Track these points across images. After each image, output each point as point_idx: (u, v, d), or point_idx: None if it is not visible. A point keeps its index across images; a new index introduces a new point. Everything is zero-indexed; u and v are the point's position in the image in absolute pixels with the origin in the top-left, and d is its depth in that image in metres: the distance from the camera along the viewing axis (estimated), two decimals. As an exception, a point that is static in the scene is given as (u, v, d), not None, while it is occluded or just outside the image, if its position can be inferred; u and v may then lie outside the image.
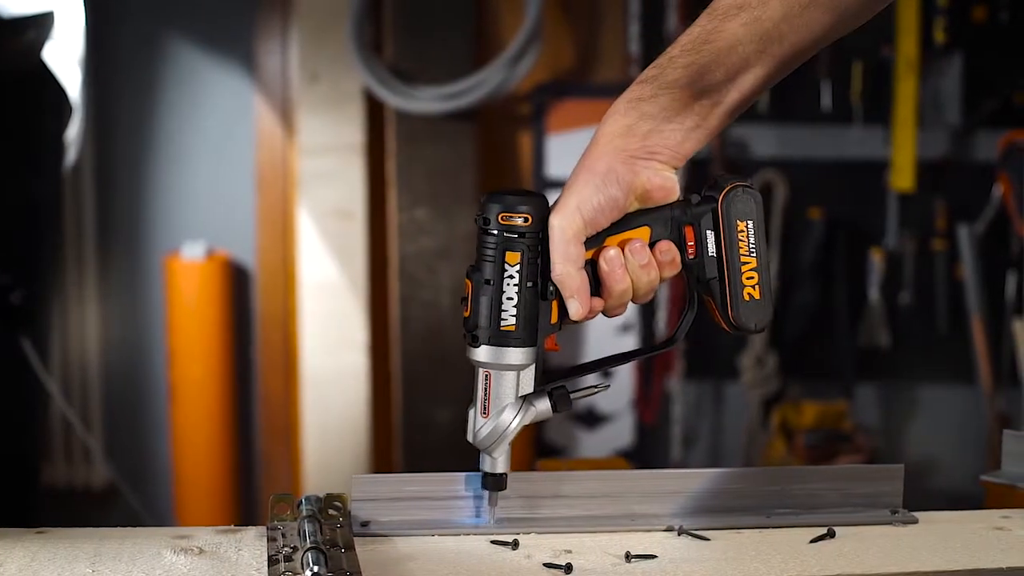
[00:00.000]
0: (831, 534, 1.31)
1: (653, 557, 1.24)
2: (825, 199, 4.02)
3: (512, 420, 1.25)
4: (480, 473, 1.29)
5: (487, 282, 1.22)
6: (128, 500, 3.74)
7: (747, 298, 1.26)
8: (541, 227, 1.22)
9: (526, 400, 1.26)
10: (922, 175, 3.94)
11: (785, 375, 4.04)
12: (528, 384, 1.25)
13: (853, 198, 4.02)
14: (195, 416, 3.98)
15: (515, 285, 1.22)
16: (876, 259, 4.01)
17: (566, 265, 1.22)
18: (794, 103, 3.92)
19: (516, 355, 1.23)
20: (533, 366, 1.25)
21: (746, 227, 1.26)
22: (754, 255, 1.26)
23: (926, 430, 4.14)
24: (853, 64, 3.92)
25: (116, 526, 1.28)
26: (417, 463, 3.84)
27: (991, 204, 3.88)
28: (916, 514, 1.38)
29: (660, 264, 1.25)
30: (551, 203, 1.24)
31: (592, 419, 4.07)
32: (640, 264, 1.24)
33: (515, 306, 1.22)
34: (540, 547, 1.26)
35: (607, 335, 4.05)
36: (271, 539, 1.24)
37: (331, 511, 1.29)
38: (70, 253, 4.00)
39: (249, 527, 1.29)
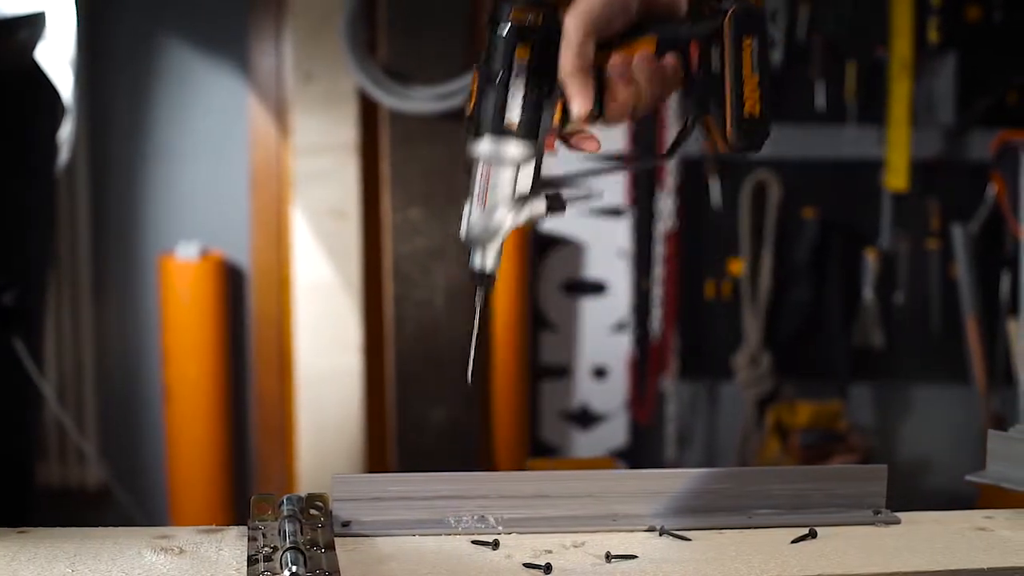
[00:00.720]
0: (812, 534, 1.31)
1: (633, 557, 1.24)
2: (819, 199, 4.02)
3: (507, 214, 1.26)
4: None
5: (495, 77, 1.24)
6: (119, 501, 3.74)
7: (747, 116, 1.26)
8: (551, 26, 1.24)
9: (523, 198, 1.26)
10: (916, 175, 3.94)
11: (779, 375, 4.03)
12: (526, 181, 1.26)
13: (847, 198, 4.03)
14: (190, 416, 3.98)
15: (522, 80, 1.24)
16: (870, 259, 4.01)
17: (573, 63, 1.23)
18: (788, 103, 3.92)
19: (517, 148, 1.24)
20: (532, 164, 1.26)
21: (752, 43, 1.26)
22: (757, 73, 1.26)
23: (920, 430, 4.14)
24: (847, 64, 3.92)
25: (110, 526, 1.28)
26: (411, 462, 3.84)
27: (985, 204, 3.88)
28: (899, 514, 1.38)
29: (664, 77, 1.27)
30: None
31: (586, 419, 4.08)
32: (647, 74, 1.25)
33: (521, 101, 1.24)
34: (521, 547, 1.26)
35: (602, 333, 4.06)
36: (252, 539, 1.23)
37: (312, 511, 1.29)
38: (64, 253, 4.00)
39: (231, 527, 1.29)
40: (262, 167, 4.03)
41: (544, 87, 1.24)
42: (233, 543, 1.24)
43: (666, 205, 3.92)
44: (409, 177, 3.86)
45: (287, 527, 1.22)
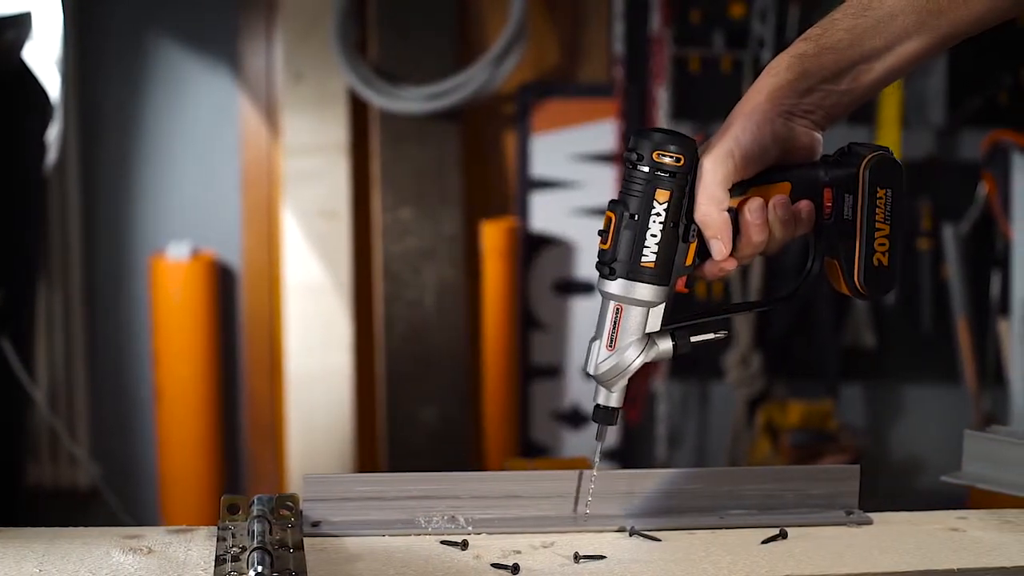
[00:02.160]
0: (783, 535, 1.31)
1: (602, 558, 1.24)
2: (810, 199, 4.01)
3: (636, 356, 1.27)
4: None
5: (632, 217, 1.24)
6: (108, 502, 3.74)
7: (876, 264, 1.27)
8: (691, 168, 1.24)
9: (650, 338, 1.27)
10: (906, 175, 3.93)
11: (770, 375, 4.03)
12: (655, 322, 1.27)
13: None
14: (181, 416, 3.98)
15: (660, 223, 1.24)
16: (861, 259, 4.00)
17: (711, 206, 1.25)
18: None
19: (649, 292, 1.25)
20: (663, 305, 1.26)
21: (885, 194, 1.26)
22: (889, 222, 1.26)
23: (911, 430, 4.14)
24: (837, 64, 3.91)
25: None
26: (401, 462, 3.84)
27: (976, 204, 3.88)
28: (872, 515, 1.38)
29: (798, 221, 1.27)
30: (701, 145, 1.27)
31: (576, 419, 4.07)
32: (781, 219, 1.26)
33: (657, 243, 1.24)
34: (490, 548, 1.26)
35: (592, 334, 4.05)
36: (221, 539, 1.24)
37: (283, 511, 1.29)
38: (55, 253, 3.99)
39: (201, 527, 1.29)
40: (253, 167, 4.03)
41: (679, 229, 1.25)
42: (202, 543, 1.25)
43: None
44: (399, 177, 3.86)
45: (255, 527, 1.22)
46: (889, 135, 3.91)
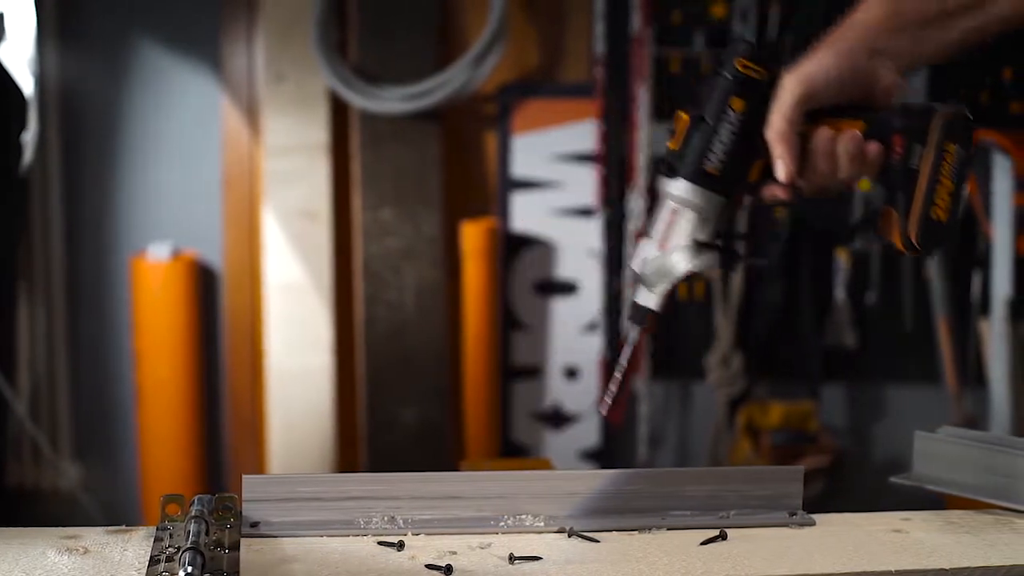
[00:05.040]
0: (723, 536, 1.31)
1: (538, 559, 1.23)
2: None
3: (683, 262, 1.26)
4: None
5: (703, 120, 1.24)
6: (84, 504, 3.74)
7: (934, 217, 1.27)
8: (771, 84, 1.24)
9: (700, 248, 1.26)
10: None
11: (751, 375, 4.03)
12: (708, 232, 1.26)
13: (818, 199, 4.01)
14: (162, 416, 3.98)
15: (732, 131, 1.24)
16: (842, 259, 4.01)
17: (784, 124, 1.24)
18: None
19: (708, 199, 1.25)
20: (716, 218, 1.26)
21: (955, 151, 1.27)
22: (953, 181, 1.27)
23: (892, 430, 4.13)
24: (818, 64, 3.91)
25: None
26: (382, 462, 3.84)
27: (957, 204, 3.87)
28: (815, 516, 1.38)
29: (865, 161, 1.27)
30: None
31: (558, 419, 4.07)
32: (850, 152, 1.26)
33: (724, 151, 1.24)
34: (426, 549, 1.26)
35: (573, 333, 4.06)
36: (158, 539, 1.24)
37: (222, 511, 1.29)
38: (36, 254, 3.99)
39: (140, 527, 1.29)
40: (234, 167, 4.03)
41: (750, 142, 1.24)
42: (139, 543, 1.25)
43: (637, 205, 3.92)
44: (380, 177, 3.86)
45: (192, 527, 1.22)
46: (870, 135, 3.91)
